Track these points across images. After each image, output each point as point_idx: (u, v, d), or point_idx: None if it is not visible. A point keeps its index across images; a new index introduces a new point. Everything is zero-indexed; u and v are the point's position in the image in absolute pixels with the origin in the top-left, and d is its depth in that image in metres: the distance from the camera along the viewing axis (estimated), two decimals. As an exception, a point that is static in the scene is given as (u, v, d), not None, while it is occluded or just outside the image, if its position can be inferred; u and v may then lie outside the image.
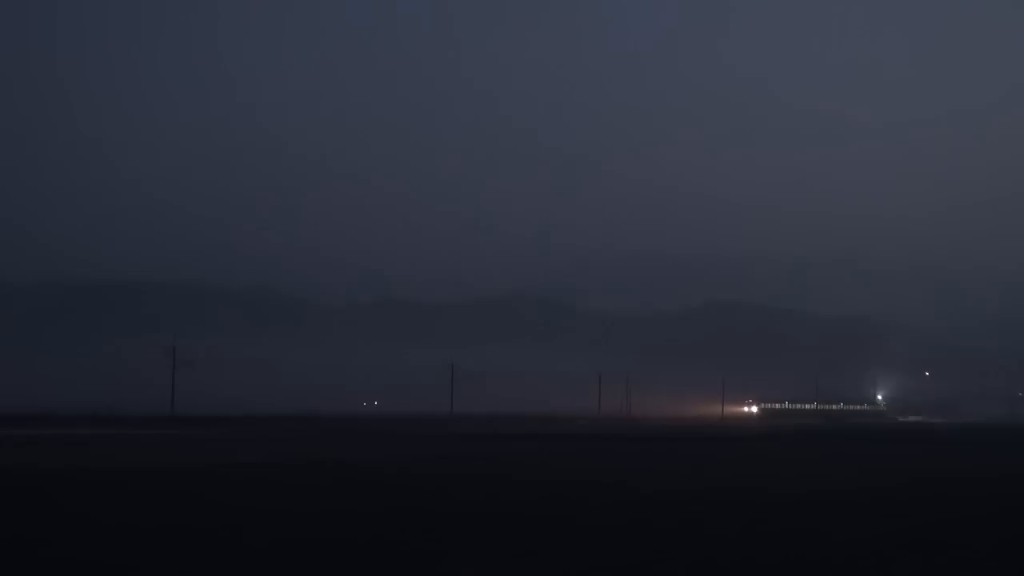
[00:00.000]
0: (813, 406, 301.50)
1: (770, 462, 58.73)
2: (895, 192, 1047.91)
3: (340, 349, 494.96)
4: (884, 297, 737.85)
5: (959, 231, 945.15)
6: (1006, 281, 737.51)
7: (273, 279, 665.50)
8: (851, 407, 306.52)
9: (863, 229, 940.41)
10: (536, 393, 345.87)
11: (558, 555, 22.73)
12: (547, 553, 23.01)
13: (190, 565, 21.47)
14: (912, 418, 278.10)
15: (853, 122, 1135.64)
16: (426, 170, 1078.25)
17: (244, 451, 68.11)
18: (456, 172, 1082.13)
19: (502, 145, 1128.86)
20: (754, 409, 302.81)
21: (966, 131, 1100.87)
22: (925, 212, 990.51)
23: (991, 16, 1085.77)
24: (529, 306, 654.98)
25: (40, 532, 26.14)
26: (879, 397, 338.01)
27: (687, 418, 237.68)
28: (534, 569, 21.14)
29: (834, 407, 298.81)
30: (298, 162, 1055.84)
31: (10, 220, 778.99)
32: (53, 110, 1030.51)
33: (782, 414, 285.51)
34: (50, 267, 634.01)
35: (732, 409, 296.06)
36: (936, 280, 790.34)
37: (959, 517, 30.40)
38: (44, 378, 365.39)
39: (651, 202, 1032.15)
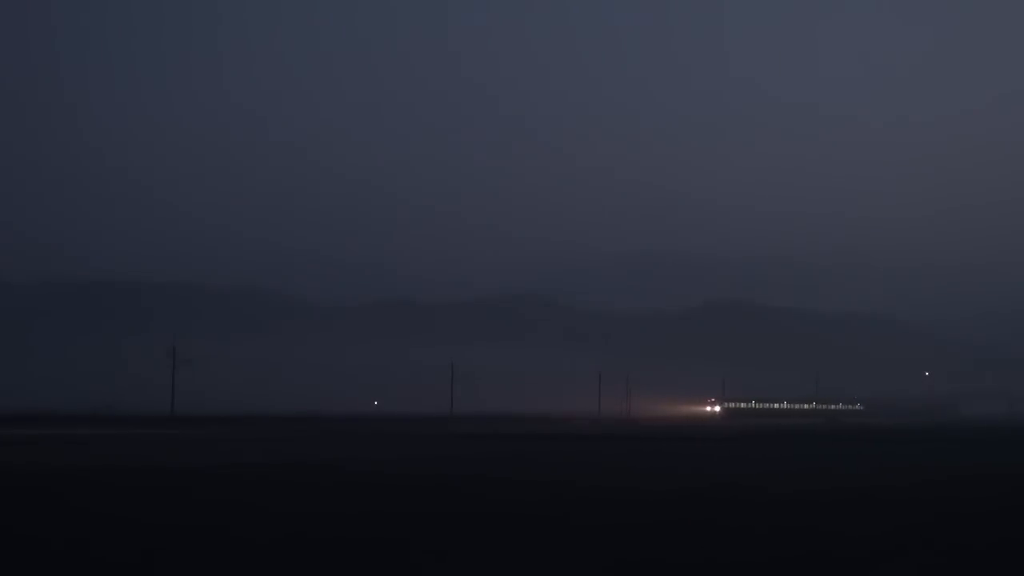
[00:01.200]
0: (783, 405, 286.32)
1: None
2: (895, 192, 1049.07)
3: (340, 349, 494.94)
4: (884, 296, 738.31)
5: (959, 231, 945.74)
6: (1006, 280, 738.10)
7: (273, 279, 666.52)
8: (827, 407, 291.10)
9: (863, 229, 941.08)
10: (536, 393, 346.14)
11: (550, 554, 22.90)
12: (540, 552, 23.18)
13: (189, 563, 21.63)
14: (896, 418, 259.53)
15: (853, 124, 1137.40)
16: (426, 171, 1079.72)
17: (244, 452, 68.24)
18: (456, 173, 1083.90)
19: (502, 146, 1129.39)
20: (716, 409, 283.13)
21: (965, 132, 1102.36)
22: (924, 212, 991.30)
23: (991, 19, 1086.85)
24: (529, 306, 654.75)
25: (44, 531, 26.29)
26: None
27: (687, 418, 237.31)
28: (530, 567, 21.29)
29: (806, 406, 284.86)
30: (298, 163, 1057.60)
31: (10, 220, 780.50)
32: (54, 111, 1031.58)
33: (747, 414, 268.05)
34: (50, 267, 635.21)
35: (695, 409, 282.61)
36: (936, 280, 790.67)
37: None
38: (44, 378, 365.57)
39: (651, 202, 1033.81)
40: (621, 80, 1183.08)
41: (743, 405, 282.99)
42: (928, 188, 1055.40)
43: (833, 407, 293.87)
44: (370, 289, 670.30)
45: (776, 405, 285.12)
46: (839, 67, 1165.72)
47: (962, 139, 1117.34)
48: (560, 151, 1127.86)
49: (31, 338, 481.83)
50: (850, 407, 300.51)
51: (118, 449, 69.53)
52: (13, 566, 21.35)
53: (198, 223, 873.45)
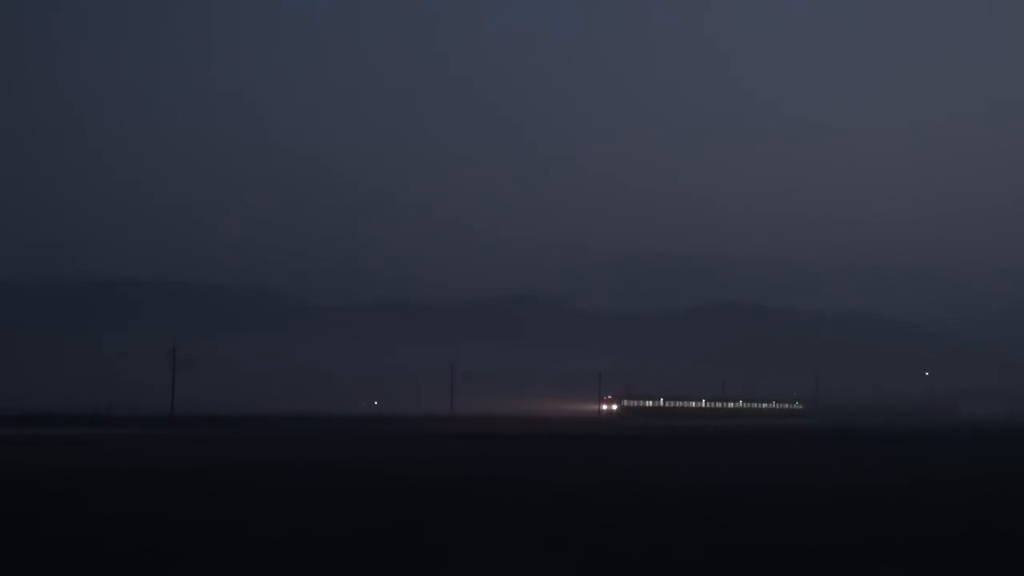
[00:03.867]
0: (702, 404, 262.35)
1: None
2: (895, 193, 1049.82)
3: (340, 349, 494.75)
4: (884, 296, 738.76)
5: (959, 231, 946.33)
6: (1006, 280, 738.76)
7: (273, 279, 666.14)
8: (758, 405, 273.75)
9: (863, 229, 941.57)
10: (536, 393, 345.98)
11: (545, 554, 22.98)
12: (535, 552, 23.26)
13: (191, 564, 21.68)
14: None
15: (852, 126, 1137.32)
16: (425, 171, 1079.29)
17: (245, 452, 68.26)
18: (456, 173, 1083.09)
19: (501, 146, 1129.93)
20: (614, 407, 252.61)
21: (963, 136, 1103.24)
22: (924, 213, 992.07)
23: (988, 23, 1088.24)
24: (529, 306, 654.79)
25: (47, 531, 26.36)
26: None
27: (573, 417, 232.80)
28: (526, 567, 21.37)
29: (731, 405, 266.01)
30: (297, 163, 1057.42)
31: (10, 220, 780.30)
32: (52, 111, 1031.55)
33: (647, 413, 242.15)
34: (50, 267, 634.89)
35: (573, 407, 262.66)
36: (936, 280, 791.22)
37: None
38: (44, 378, 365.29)
39: (650, 203, 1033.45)
40: (620, 81, 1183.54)
41: (649, 403, 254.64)
42: (928, 189, 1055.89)
43: (765, 406, 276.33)
44: (370, 289, 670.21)
45: (695, 404, 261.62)
46: (838, 71, 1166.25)
47: (962, 140, 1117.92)
48: (559, 152, 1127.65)
49: (31, 338, 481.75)
50: (787, 406, 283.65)
51: (118, 449, 69.57)
52: (13, 568, 21.40)
53: (197, 223, 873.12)
